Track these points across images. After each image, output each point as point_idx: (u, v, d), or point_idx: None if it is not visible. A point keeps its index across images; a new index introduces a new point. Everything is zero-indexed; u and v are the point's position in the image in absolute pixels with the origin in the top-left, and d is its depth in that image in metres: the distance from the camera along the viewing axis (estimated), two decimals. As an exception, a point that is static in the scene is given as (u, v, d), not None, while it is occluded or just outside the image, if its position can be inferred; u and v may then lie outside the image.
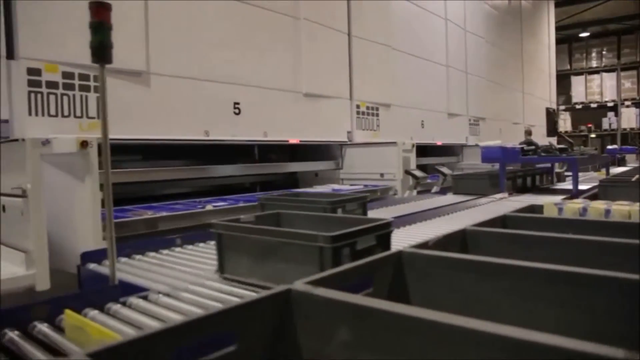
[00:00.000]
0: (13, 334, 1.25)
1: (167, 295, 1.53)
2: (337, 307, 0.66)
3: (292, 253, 1.57)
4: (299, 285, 0.71)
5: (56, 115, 2.78)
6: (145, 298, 1.51)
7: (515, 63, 9.57)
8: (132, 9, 3.11)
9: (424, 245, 1.02)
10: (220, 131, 3.66)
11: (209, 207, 2.95)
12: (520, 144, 7.01)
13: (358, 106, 5.07)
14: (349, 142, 4.91)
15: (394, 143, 4.61)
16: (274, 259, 1.62)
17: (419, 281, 0.93)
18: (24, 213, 2.15)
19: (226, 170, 3.93)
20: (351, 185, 4.58)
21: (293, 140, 4.27)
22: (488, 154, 4.14)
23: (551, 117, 6.62)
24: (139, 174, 3.25)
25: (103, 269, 1.99)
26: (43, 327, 1.29)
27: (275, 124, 4.11)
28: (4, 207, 2.33)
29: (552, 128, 6.74)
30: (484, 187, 4.14)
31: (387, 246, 1.71)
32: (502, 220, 1.46)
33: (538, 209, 1.77)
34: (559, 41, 13.65)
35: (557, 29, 12.68)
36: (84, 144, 2.27)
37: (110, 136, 3.02)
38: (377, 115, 5.36)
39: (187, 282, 1.69)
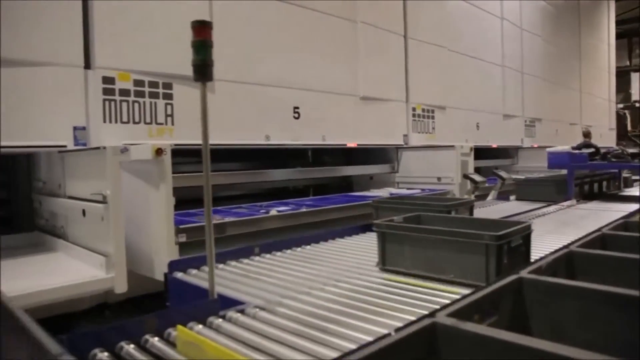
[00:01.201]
0: (129, 347, 1.30)
1: (264, 309, 1.54)
2: (489, 343, 0.64)
3: (457, 249, 1.88)
4: (444, 319, 0.69)
5: (128, 122, 2.87)
6: (243, 312, 1.53)
7: (572, 61, 9.22)
8: (195, 17, 3.16)
9: (538, 270, 0.98)
10: (281, 135, 3.68)
11: (274, 212, 2.97)
12: (578, 146, 6.74)
13: (414, 109, 5.00)
14: (404, 145, 4.85)
15: (451, 147, 4.52)
16: (438, 253, 1.94)
17: (539, 307, 0.90)
18: (104, 218, 2.23)
19: (283, 175, 3.96)
20: (408, 189, 4.52)
21: (351, 144, 4.25)
22: (555, 160, 4.00)
23: (622, 121, 6.33)
24: (196, 178, 3.29)
25: (190, 278, 2.04)
26: (155, 341, 1.33)
27: (333, 128, 4.10)
28: (83, 211, 2.43)
29: (623, 132, 6.44)
30: (550, 193, 3.99)
31: (528, 245, 2.01)
32: (602, 240, 1.40)
33: (632, 225, 1.68)
34: (617, 36, 13.04)
35: (616, 23, 12.11)
36: (158, 152, 2.33)
37: (177, 141, 3.11)
38: (433, 117, 5.27)
39: (279, 295, 1.71)
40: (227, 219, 2.74)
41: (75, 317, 2.54)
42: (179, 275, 2.07)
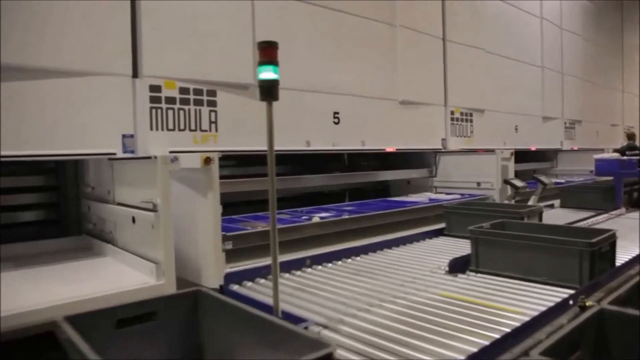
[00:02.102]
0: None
1: (326, 327, 1.54)
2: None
3: (550, 253, 2.15)
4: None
5: (173, 129, 2.91)
6: (306, 329, 1.52)
7: (614, 60, 8.94)
8: (238, 24, 3.20)
9: (618, 300, 0.95)
10: (321, 141, 3.69)
11: (316, 218, 2.98)
12: (622, 148, 6.53)
13: (452, 112, 4.94)
14: (443, 150, 4.79)
15: (492, 151, 4.44)
16: (530, 257, 2.20)
17: (623, 340, 0.87)
18: (154, 226, 2.27)
19: (322, 180, 3.96)
20: (447, 194, 4.46)
21: (390, 149, 4.22)
22: (603, 167, 3.88)
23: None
24: (241, 184, 3.33)
25: (247, 291, 2.06)
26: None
27: (372, 133, 4.08)
28: (133, 218, 2.48)
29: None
30: (596, 201, 3.87)
31: (614, 252, 2.31)
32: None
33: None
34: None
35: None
36: (207, 161, 2.36)
37: (221, 148, 3.15)
38: (471, 121, 5.19)
39: (339, 312, 1.71)
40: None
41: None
42: (235, 287, 2.09)
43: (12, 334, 1.84)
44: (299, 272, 2.24)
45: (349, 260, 2.49)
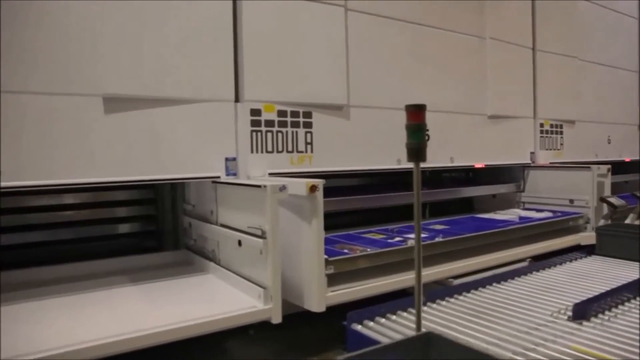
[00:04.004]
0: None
1: None
2: None
3: None
4: None
5: (272, 152, 2.99)
6: None
7: None
8: (332, 46, 3.23)
9: None
10: (410, 159, 3.65)
11: (411, 242, 2.96)
12: None
13: (542, 125, 4.74)
14: (532, 164, 4.61)
15: (587, 167, 4.22)
16: None
17: None
18: (262, 252, 2.35)
19: (409, 198, 3.92)
20: (537, 211, 4.29)
21: (478, 165, 4.12)
22: None
23: None
24: (341, 203, 3.36)
25: (368, 332, 2.07)
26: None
27: (460, 149, 4.01)
28: (239, 241, 2.57)
29: None
30: None
31: None
32: None
33: None
34: None
35: None
36: (312, 189, 2.41)
37: (315, 169, 3.20)
38: (561, 133, 4.96)
39: None
40: (372, 250, 2.77)
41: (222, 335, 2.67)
42: (359, 328, 2.12)
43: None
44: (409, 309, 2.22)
45: (469, 294, 2.44)
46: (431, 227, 3.67)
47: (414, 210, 1.83)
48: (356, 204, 3.50)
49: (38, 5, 2.28)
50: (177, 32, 2.66)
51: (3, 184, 2.23)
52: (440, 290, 2.49)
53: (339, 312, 2.40)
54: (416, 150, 1.75)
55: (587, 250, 3.68)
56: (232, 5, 2.86)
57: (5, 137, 2.21)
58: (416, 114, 1.73)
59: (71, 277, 2.79)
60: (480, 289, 2.68)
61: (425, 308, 2.37)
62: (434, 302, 2.36)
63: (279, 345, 2.74)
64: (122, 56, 2.49)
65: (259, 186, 2.34)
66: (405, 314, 2.24)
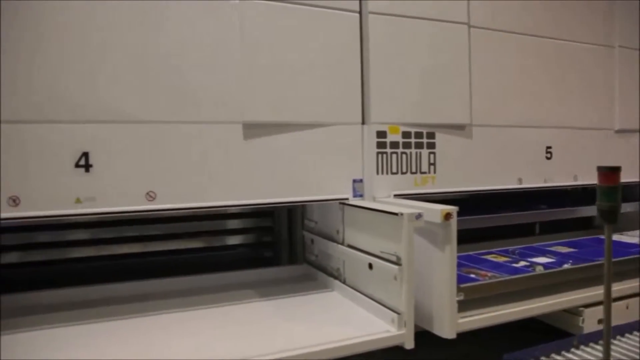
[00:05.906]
0: None
1: None
2: None
3: None
4: None
5: (396, 173, 3.02)
6: None
7: None
8: (456, 65, 3.19)
9: None
10: (532, 178, 3.53)
11: (539, 268, 2.87)
12: None
13: (675, 137, 4.37)
14: (661, 180, 4.27)
15: None
16: None
17: None
18: (397, 278, 2.39)
19: (530, 217, 3.81)
20: (670, 233, 3.97)
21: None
22: None
23: None
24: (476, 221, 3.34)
25: None
26: None
27: (584, 166, 3.80)
28: (370, 264, 2.63)
29: None
30: None
31: None
32: None
33: None
34: None
35: None
36: (447, 216, 2.41)
37: (438, 190, 3.19)
38: (696, 145, 4.54)
39: None
40: (504, 276, 2.73)
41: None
42: None
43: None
44: (569, 355, 2.11)
45: (615, 341, 2.31)
46: (553, 248, 3.53)
47: (604, 269, 1.80)
48: (479, 223, 3.43)
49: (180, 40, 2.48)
50: (308, 58, 2.77)
51: (159, 206, 2.47)
52: (595, 334, 2.34)
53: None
54: (609, 213, 1.74)
55: None
56: (359, 27, 2.92)
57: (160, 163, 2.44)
58: (610, 176, 1.74)
59: (191, 289, 2.99)
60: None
61: (589, 349, 2.28)
62: (587, 345, 2.26)
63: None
64: (259, 85, 2.64)
65: (395, 214, 2.38)
66: (559, 357, 2.16)
